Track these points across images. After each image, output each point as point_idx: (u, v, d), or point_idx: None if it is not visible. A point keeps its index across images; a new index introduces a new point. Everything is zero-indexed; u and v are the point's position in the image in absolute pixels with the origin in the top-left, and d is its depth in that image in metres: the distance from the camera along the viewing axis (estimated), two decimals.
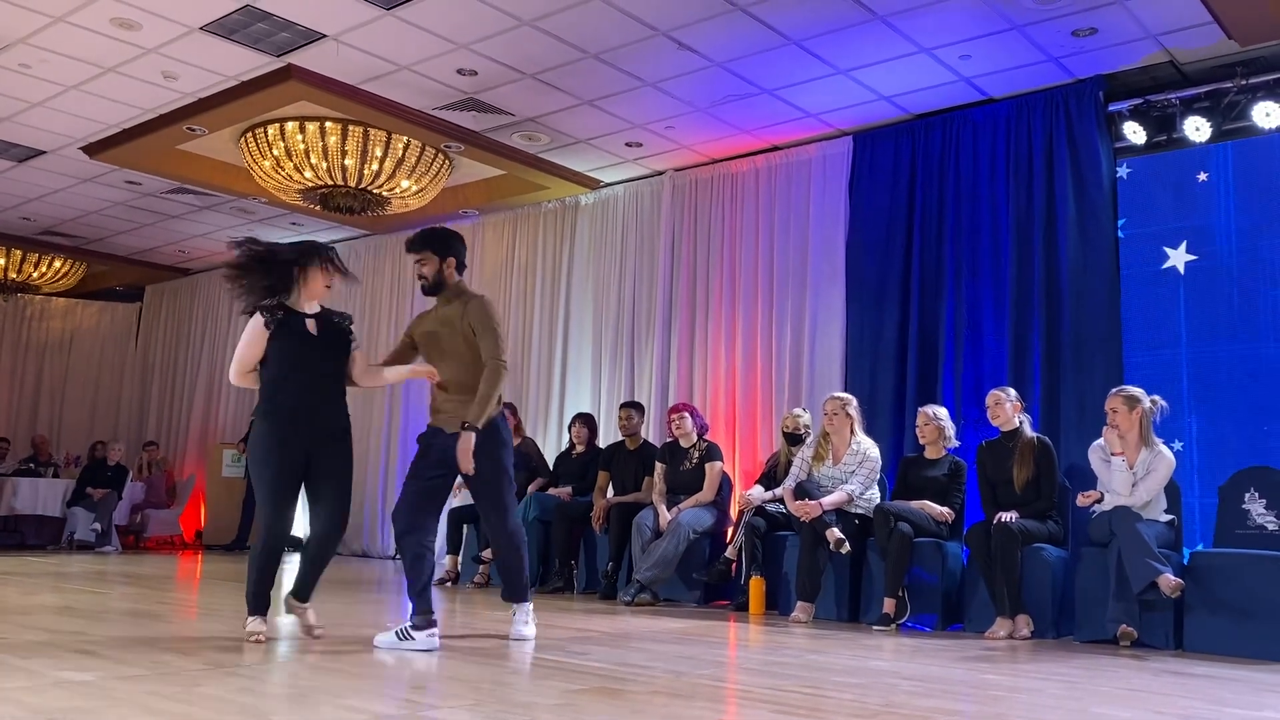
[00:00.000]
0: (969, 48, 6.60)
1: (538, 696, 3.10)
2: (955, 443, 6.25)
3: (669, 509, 6.64)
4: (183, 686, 3.05)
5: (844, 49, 6.67)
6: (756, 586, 6.12)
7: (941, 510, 5.93)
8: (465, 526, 7.84)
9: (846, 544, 5.75)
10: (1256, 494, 5.34)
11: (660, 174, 9.07)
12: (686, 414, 6.88)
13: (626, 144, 8.47)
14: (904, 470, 6.30)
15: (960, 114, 7.43)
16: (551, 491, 7.57)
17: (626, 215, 9.30)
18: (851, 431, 6.21)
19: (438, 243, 4.39)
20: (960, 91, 7.24)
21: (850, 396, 6.38)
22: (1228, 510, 5.48)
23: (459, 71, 7.17)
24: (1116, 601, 5.00)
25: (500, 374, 4.20)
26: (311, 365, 4.19)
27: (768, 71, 7.04)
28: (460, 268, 4.42)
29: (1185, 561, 5.28)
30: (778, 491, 6.38)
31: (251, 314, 4.17)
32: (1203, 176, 6.63)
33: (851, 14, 6.21)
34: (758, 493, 6.47)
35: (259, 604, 4.15)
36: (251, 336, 4.13)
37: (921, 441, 6.22)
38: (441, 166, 8.78)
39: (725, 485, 6.97)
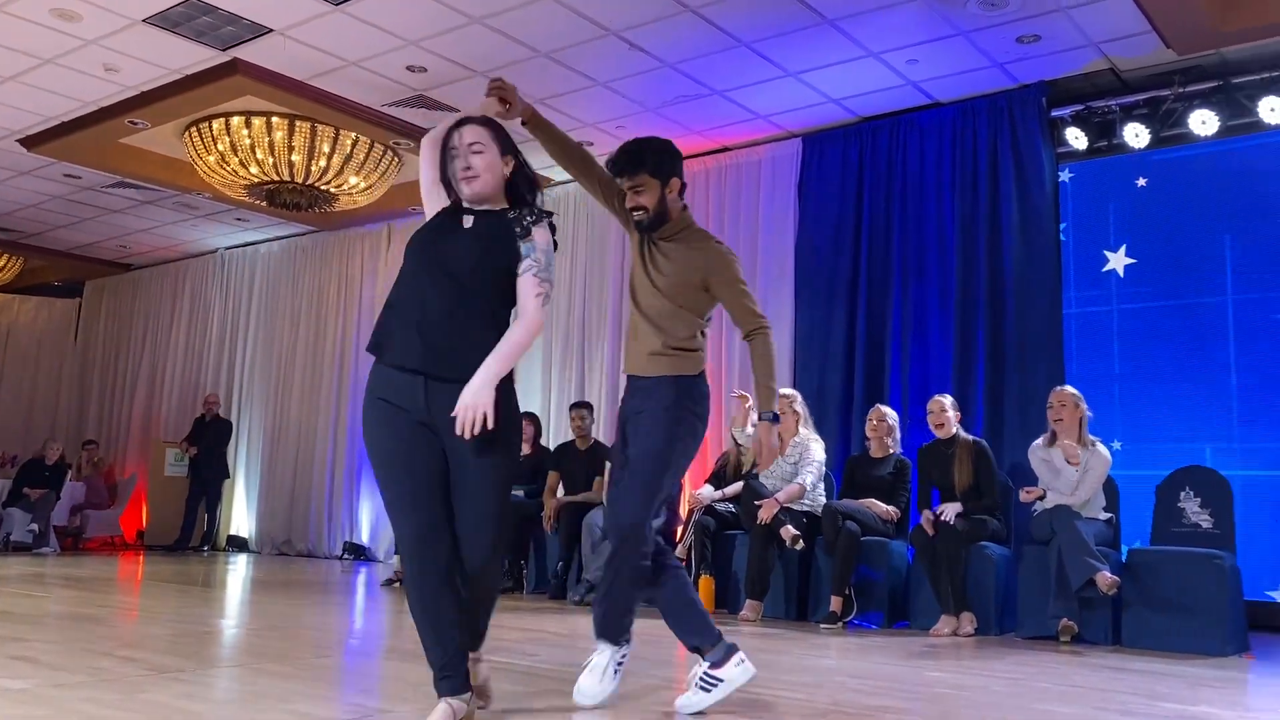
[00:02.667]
0: (916, 52, 6.69)
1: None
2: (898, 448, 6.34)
3: None
4: (124, 693, 2.99)
5: (793, 52, 6.72)
6: (705, 585, 6.15)
7: (887, 509, 6.01)
8: None
9: (801, 540, 5.81)
10: (1191, 493, 5.49)
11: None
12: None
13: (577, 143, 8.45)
14: (850, 469, 6.37)
15: (907, 117, 7.52)
16: None
17: (577, 214, 9.29)
18: (797, 427, 6.26)
19: (655, 160, 3.24)
20: (907, 95, 7.33)
21: (796, 393, 6.44)
22: (1164, 508, 5.61)
23: (409, 68, 7.11)
24: (1057, 598, 5.10)
25: (774, 345, 3.24)
26: None
27: (718, 73, 7.07)
28: (683, 190, 3.34)
29: (1123, 559, 5.40)
30: (728, 490, 6.42)
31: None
32: (1141, 182, 6.78)
33: (801, 17, 6.25)
34: (707, 492, 6.51)
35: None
36: None
37: (872, 439, 6.29)
38: (391, 163, 8.71)
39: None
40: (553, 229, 2.80)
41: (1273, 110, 6.32)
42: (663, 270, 3.22)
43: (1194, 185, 6.68)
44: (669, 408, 3.07)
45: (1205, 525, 5.40)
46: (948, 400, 6.01)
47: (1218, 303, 6.50)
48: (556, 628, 5.14)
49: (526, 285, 2.69)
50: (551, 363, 9.16)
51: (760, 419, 3.16)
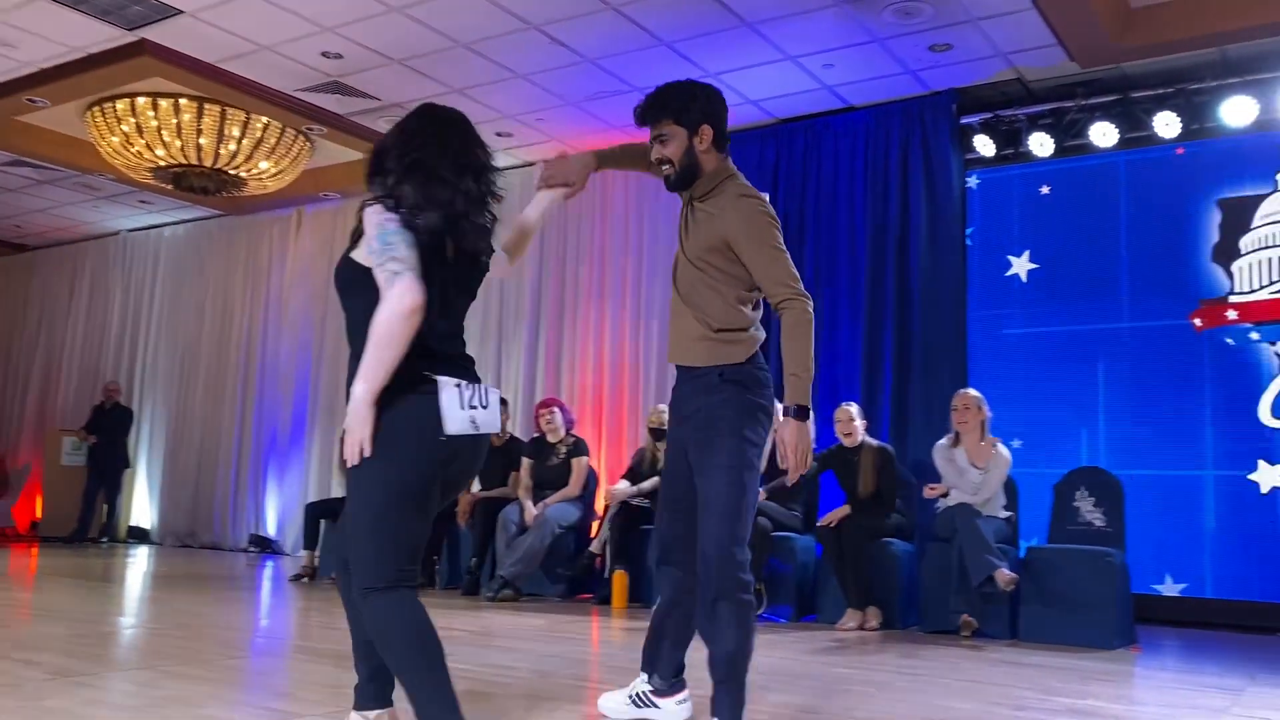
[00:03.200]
0: (832, 57, 6.82)
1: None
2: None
3: (535, 504, 6.67)
4: (24, 700, 2.93)
5: (713, 53, 6.79)
6: (620, 580, 6.22)
7: (796, 508, 6.16)
8: (322, 521, 7.68)
9: None
10: (1086, 492, 5.74)
11: (531, 165, 9.05)
12: (556, 410, 6.92)
13: (497, 134, 8.42)
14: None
15: (822, 121, 7.67)
16: None
17: (498, 207, 9.24)
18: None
19: (680, 103, 2.78)
20: (823, 99, 7.47)
21: None
22: (1060, 507, 5.86)
23: (324, 54, 7.00)
24: (958, 594, 5.30)
25: (810, 321, 2.67)
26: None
27: (639, 71, 7.11)
28: (723, 141, 2.84)
29: (1021, 556, 5.63)
30: (644, 486, 6.50)
31: None
32: (1045, 190, 7.04)
33: (721, 19, 6.33)
34: (623, 487, 6.58)
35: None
36: None
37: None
38: (302, 149, 8.56)
39: (591, 480, 7.04)
40: (392, 203, 2.31)
41: (1167, 125, 6.61)
42: (692, 236, 2.81)
43: (1093, 194, 6.96)
44: (725, 404, 2.65)
45: (1099, 524, 5.66)
46: (854, 409, 6.16)
47: (1113, 309, 6.79)
48: (470, 625, 5.15)
49: (375, 276, 2.26)
50: None
51: (784, 415, 2.63)
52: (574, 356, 8.55)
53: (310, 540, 7.52)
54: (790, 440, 2.60)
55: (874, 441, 6.16)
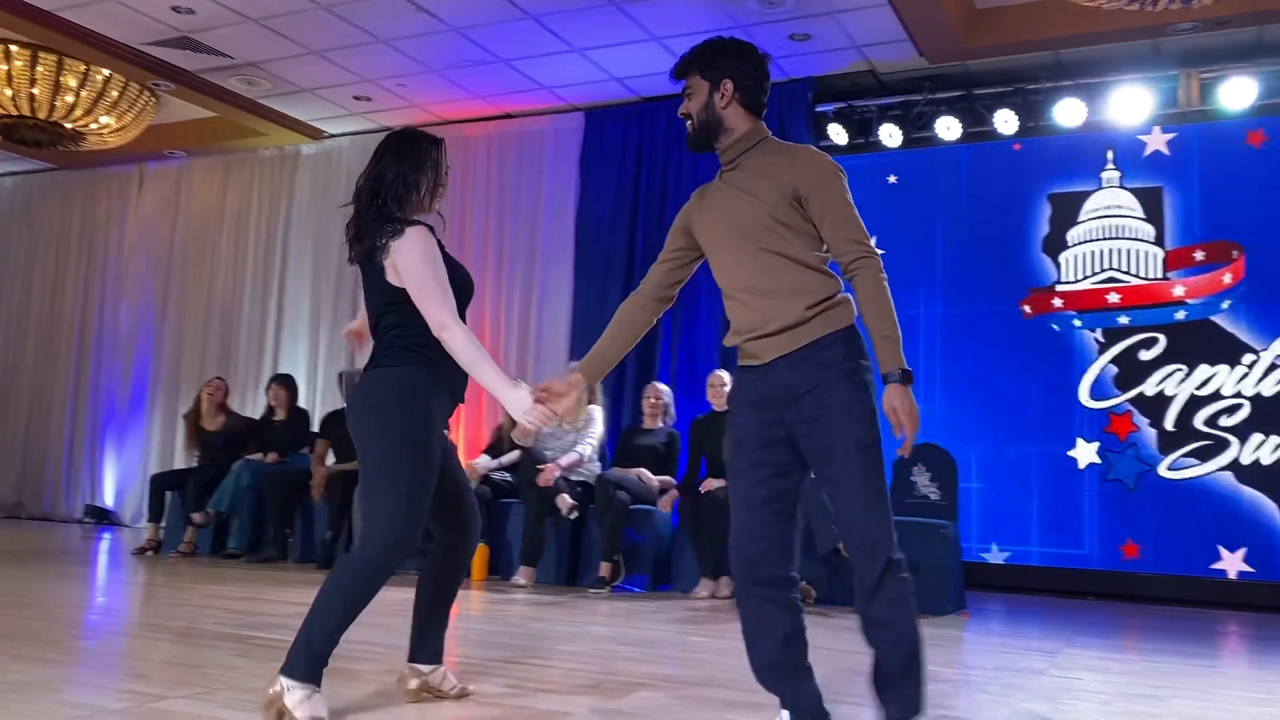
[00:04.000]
0: (696, 40, 6.94)
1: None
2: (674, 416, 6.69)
3: None
4: None
5: (580, 28, 6.85)
6: (480, 554, 6.29)
7: (659, 478, 6.35)
8: (168, 493, 7.45)
9: (577, 511, 6.04)
10: (923, 467, 6.12)
11: (388, 129, 8.89)
12: None
13: (355, 97, 8.26)
14: (624, 440, 6.66)
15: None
16: (251, 457, 7.27)
17: (352, 169, 9.04)
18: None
19: (706, 56, 2.61)
20: None
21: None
22: (899, 481, 6.22)
23: (174, 9, 6.72)
24: (804, 563, 5.58)
25: (883, 277, 2.43)
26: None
27: (505, 42, 7.10)
28: (753, 102, 2.59)
29: None
30: (504, 459, 6.56)
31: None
32: (892, 179, 7.39)
33: None
34: (484, 461, 6.63)
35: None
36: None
37: (648, 414, 6.59)
38: (148, 104, 8.18)
39: None
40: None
41: (1006, 122, 7.04)
42: (735, 209, 2.51)
43: (937, 185, 7.36)
44: (848, 375, 2.38)
45: (934, 497, 6.05)
46: (726, 375, 6.38)
47: (951, 294, 7.21)
48: None
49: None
50: (320, 324, 8.95)
51: (888, 382, 2.38)
52: None
53: (156, 513, 7.29)
54: (904, 407, 2.35)
55: None
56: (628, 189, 7.94)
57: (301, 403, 8.15)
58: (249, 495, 7.03)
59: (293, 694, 2.58)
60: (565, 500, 6.00)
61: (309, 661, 2.63)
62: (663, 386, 6.67)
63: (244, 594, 5.23)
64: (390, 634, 4.11)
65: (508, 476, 6.57)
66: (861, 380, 2.39)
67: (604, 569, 6.00)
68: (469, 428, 8.13)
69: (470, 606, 5.27)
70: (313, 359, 8.92)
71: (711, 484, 5.98)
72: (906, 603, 2.41)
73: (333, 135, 9.15)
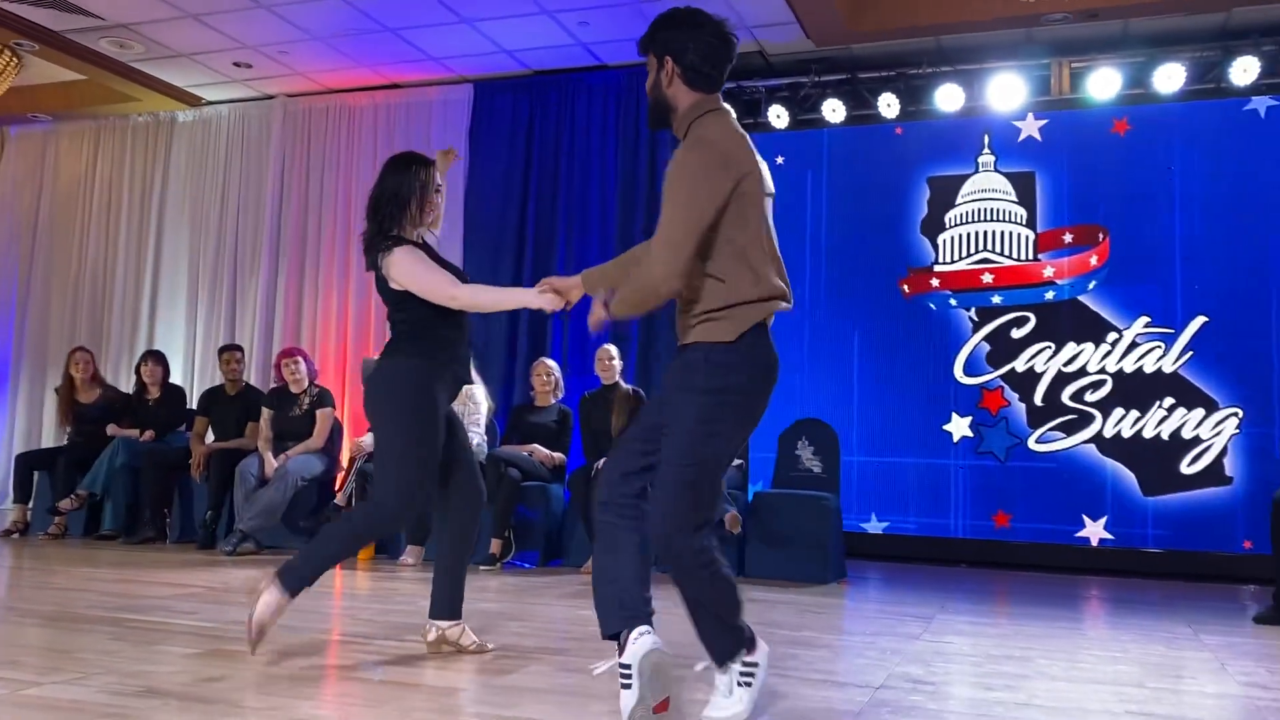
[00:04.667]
0: (588, 15, 6.95)
1: (152, 664, 3.04)
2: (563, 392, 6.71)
3: (276, 456, 6.51)
4: None
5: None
6: None
7: (551, 455, 6.37)
8: (35, 473, 7.15)
9: None
10: (806, 441, 6.29)
11: (271, 98, 8.65)
12: (300, 359, 6.73)
13: (234, 63, 7.99)
14: (515, 417, 6.66)
15: (577, 76, 7.81)
16: (123, 434, 7.00)
17: (231, 138, 8.79)
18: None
19: (653, 31, 2.56)
20: (578, 55, 7.60)
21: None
22: (784, 455, 6.38)
23: None
24: None
25: (652, 285, 2.41)
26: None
27: (391, 10, 6.96)
28: (699, 76, 2.49)
29: (749, 500, 6.11)
30: None
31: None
32: (780, 160, 7.52)
33: None
34: (369, 440, 6.52)
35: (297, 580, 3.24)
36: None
37: (538, 391, 6.59)
38: (8, 64, 7.77)
39: (336, 432, 6.94)
40: None
41: (888, 105, 7.23)
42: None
43: (823, 166, 7.53)
44: (694, 391, 2.40)
45: (816, 470, 6.23)
46: (614, 350, 6.43)
47: (835, 274, 7.39)
48: (209, 581, 5.01)
49: None
50: (198, 301, 8.67)
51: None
52: (316, 303, 8.32)
53: (23, 493, 6.99)
54: (563, 285, 3.09)
55: (627, 385, 6.45)
56: (518, 164, 7.90)
57: (178, 379, 7.92)
58: (124, 475, 6.79)
59: (270, 593, 3.09)
60: None
61: (296, 578, 3.14)
62: (552, 363, 6.68)
63: (120, 576, 5.08)
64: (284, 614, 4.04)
65: None
66: (706, 401, 2.38)
67: (494, 545, 6.00)
68: (355, 404, 8.00)
69: (356, 585, 5.22)
70: (190, 332, 8.64)
71: (604, 461, 6.02)
72: (701, 570, 2.45)
73: (211, 102, 8.83)
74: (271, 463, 6.44)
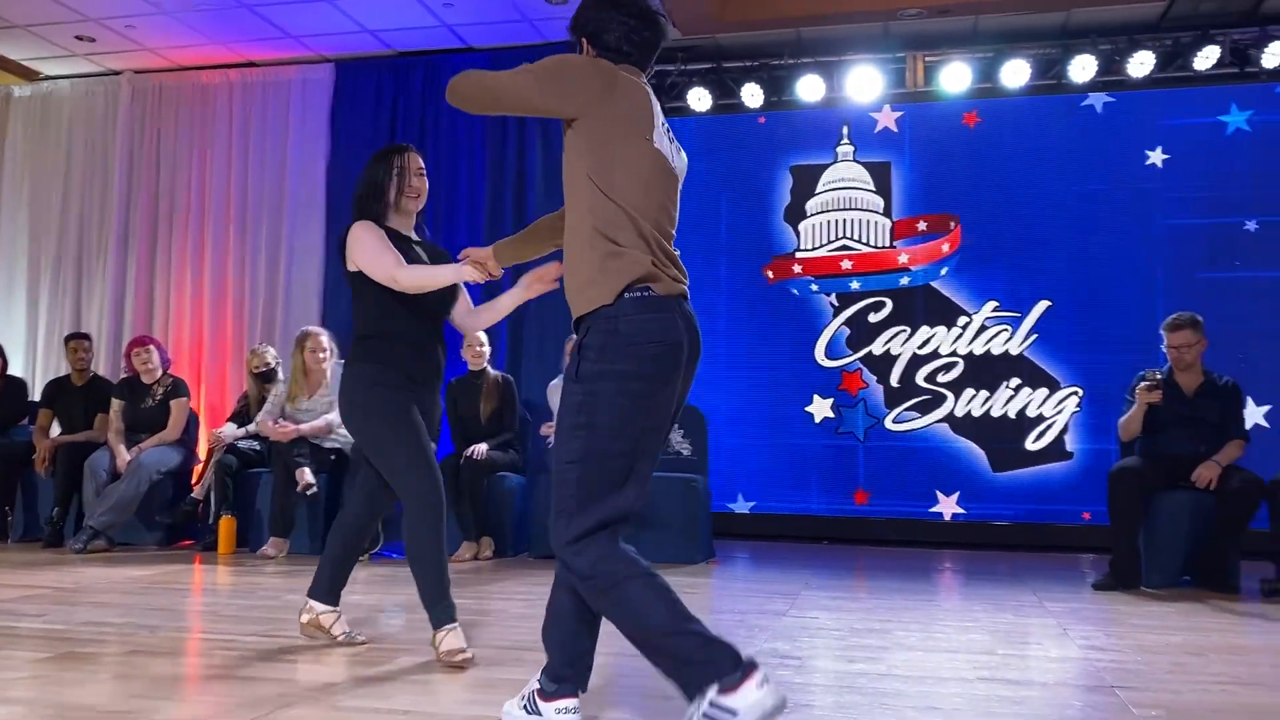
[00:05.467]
0: None
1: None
2: None
3: (129, 449, 6.23)
4: None
5: None
6: (227, 526, 6.02)
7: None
8: None
9: (314, 488, 5.87)
10: (677, 425, 6.36)
11: (117, 74, 8.23)
12: (153, 348, 6.45)
13: (76, 37, 7.57)
14: None
15: (442, 58, 7.68)
16: None
17: (74, 116, 8.33)
18: (329, 368, 6.29)
19: (574, 13, 2.48)
20: (442, 36, 7.48)
21: (327, 332, 6.45)
22: None
23: None
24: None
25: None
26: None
27: None
28: (617, 54, 2.39)
29: None
30: (251, 428, 6.29)
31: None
32: None
33: None
34: (229, 430, 6.33)
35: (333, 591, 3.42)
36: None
37: None
38: None
39: (192, 423, 6.69)
40: None
41: (752, 95, 7.37)
42: None
43: (688, 153, 7.59)
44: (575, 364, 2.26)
45: (685, 452, 6.33)
46: (483, 336, 6.38)
47: (704, 260, 7.50)
48: (58, 580, 4.78)
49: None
50: (41, 288, 8.20)
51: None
52: (169, 289, 7.99)
53: None
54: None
55: (495, 371, 6.41)
56: (382, 145, 7.70)
57: (18, 371, 7.50)
58: None
59: (448, 637, 3.07)
60: (303, 475, 5.82)
61: (441, 610, 3.13)
62: None
63: None
64: (122, 613, 3.89)
65: (255, 445, 6.31)
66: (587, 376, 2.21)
67: None
68: (212, 394, 7.72)
69: (217, 581, 5.06)
70: (31, 322, 8.17)
71: (475, 448, 5.98)
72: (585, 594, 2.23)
73: (51, 77, 8.35)
74: (124, 456, 6.17)
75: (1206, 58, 6.82)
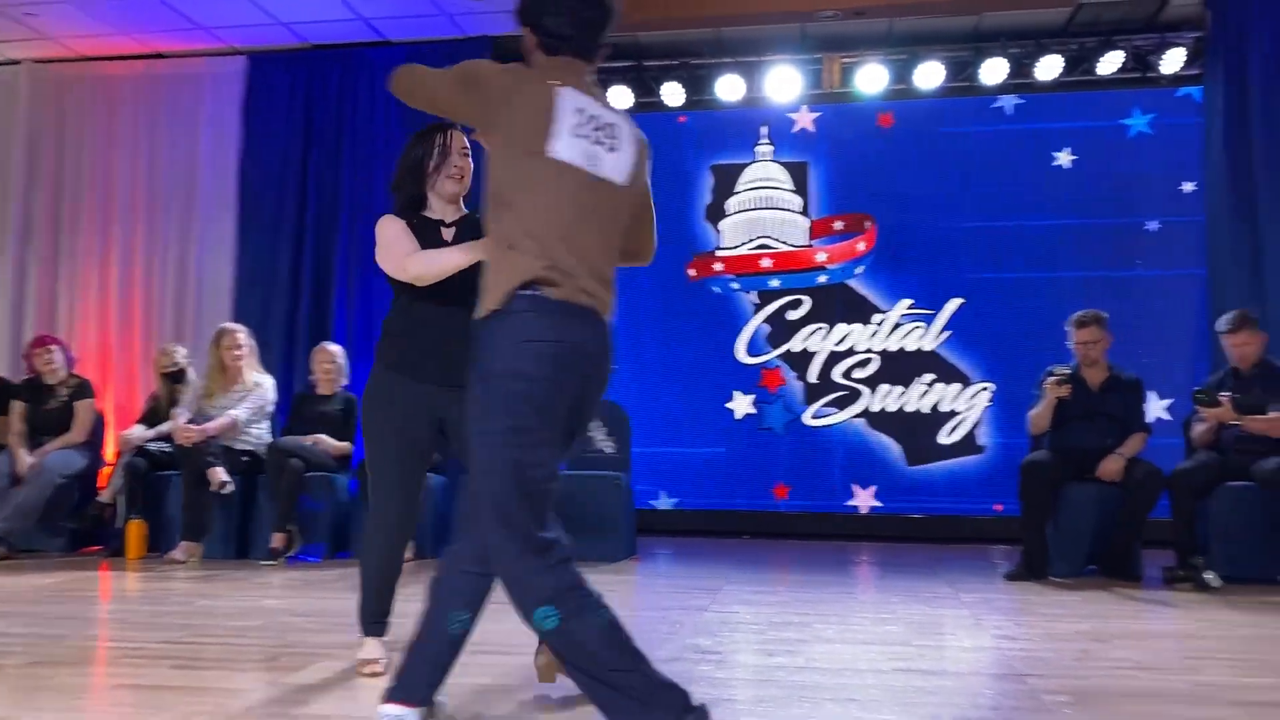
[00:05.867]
0: None
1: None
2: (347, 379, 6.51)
3: (31, 452, 6.00)
4: None
5: None
6: (136, 529, 5.84)
7: (338, 445, 6.17)
8: None
9: (230, 485, 5.74)
10: (599, 423, 6.37)
11: (15, 64, 7.93)
12: (55, 348, 6.23)
13: None
14: (297, 405, 6.41)
15: (359, 52, 7.56)
16: None
17: None
18: (246, 366, 6.16)
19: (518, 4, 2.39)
20: (358, 30, 7.36)
21: (244, 329, 6.32)
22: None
23: None
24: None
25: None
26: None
27: None
28: (553, 44, 2.31)
29: None
30: (161, 429, 6.12)
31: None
32: None
33: None
34: (138, 432, 6.14)
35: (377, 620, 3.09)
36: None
37: (321, 379, 6.35)
38: None
39: (99, 425, 6.48)
40: None
41: (673, 94, 7.40)
42: None
43: None
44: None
45: (609, 450, 6.32)
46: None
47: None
48: None
49: None
50: None
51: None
52: (73, 287, 7.72)
53: None
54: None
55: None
56: (298, 140, 7.58)
57: None
58: None
59: (369, 644, 3.05)
60: (217, 474, 5.69)
61: (360, 611, 3.06)
62: (335, 348, 6.45)
63: None
64: (27, 622, 3.76)
65: (165, 447, 6.13)
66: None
67: (276, 539, 5.77)
68: (120, 395, 7.49)
69: (126, 587, 4.90)
70: None
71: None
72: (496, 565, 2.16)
73: None
74: (26, 459, 5.95)
75: (1110, 62, 7.05)
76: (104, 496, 6.02)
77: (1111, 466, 5.25)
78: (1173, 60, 7.00)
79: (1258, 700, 2.75)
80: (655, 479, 7.42)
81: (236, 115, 7.64)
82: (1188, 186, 7.06)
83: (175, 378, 6.36)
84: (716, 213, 7.58)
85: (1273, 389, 5.24)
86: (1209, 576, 4.87)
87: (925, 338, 7.31)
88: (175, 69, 7.76)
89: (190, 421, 5.90)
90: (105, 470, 6.32)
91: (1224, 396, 5.19)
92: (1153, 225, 7.12)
